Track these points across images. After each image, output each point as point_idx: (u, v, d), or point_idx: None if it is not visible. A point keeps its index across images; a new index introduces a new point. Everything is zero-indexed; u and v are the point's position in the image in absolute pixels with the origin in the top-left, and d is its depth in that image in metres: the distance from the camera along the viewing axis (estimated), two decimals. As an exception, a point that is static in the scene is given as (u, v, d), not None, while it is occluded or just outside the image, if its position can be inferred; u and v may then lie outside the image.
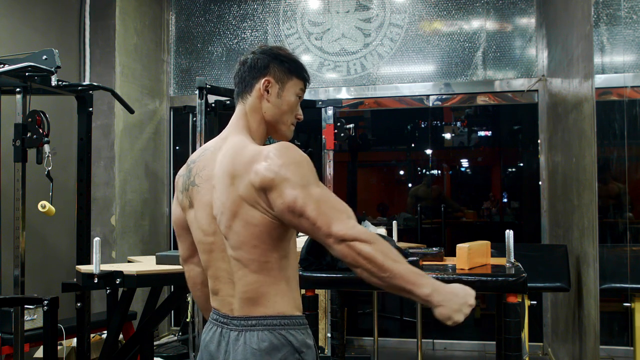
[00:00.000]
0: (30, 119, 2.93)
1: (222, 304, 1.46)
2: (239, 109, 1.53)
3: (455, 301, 1.29)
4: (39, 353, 3.59)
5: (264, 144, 1.46)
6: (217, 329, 1.46)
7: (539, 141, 4.57)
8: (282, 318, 1.40)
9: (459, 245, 2.51)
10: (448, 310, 1.28)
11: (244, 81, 1.51)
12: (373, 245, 1.25)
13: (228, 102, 4.15)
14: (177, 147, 5.24)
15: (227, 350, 1.41)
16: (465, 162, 5.28)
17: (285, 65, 1.50)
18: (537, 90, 4.55)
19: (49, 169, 2.92)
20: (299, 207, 1.29)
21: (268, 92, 1.48)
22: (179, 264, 2.48)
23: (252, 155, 1.37)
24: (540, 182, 4.55)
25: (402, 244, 3.01)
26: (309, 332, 1.45)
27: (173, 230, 5.42)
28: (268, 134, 1.54)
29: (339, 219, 1.27)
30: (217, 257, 1.45)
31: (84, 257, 3.20)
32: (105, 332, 3.23)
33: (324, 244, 1.30)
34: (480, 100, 4.77)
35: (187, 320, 4.01)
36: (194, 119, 4.03)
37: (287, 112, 1.51)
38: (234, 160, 1.39)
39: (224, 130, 1.53)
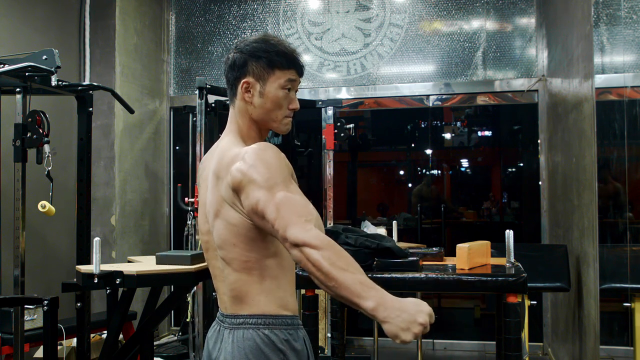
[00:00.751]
0: (30, 119, 2.93)
1: (220, 301, 1.49)
2: (230, 111, 1.52)
3: (403, 318, 1.12)
4: (39, 353, 3.59)
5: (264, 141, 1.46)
6: (217, 327, 1.49)
7: (539, 141, 4.57)
8: (266, 317, 1.40)
9: (459, 245, 2.51)
10: (394, 328, 1.12)
11: (228, 82, 1.49)
12: (322, 251, 1.18)
13: (228, 102, 4.14)
14: (177, 147, 5.24)
15: (220, 348, 1.44)
16: (465, 162, 5.28)
17: (262, 61, 1.42)
18: (537, 90, 4.55)
19: (49, 169, 2.92)
20: (261, 209, 1.28)
21: (250, 92, 1.44)
22: (179, 264, 2.48)
23: (232, 157, 1.38)
24: (540, 182, 4.55)
25: (402, 244, 3.01)
26: (299, 333, 1.44)
27: (173, 230, 5.44)
28: (264, 130, 1.51)
29: (296, 223, 1.22)
30: (211, 256, 1.49)
31: (84, 257, 3.20)
32: (105, 332, 3.23)
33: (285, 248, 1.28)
34: (480, 100, 4.77)
35: (187, 320, 4.01)
36: (194, 119, 4.03)
37: (274, 109, 1.45)
38: (219, 161, 1.42)
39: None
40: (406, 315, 1.12)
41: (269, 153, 1.33)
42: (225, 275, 1.43)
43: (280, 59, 1.44)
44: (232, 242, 1.39)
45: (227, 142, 1.46)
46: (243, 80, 1.44)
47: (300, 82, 1.50)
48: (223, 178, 1.38)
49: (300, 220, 1.23)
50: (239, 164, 1.34)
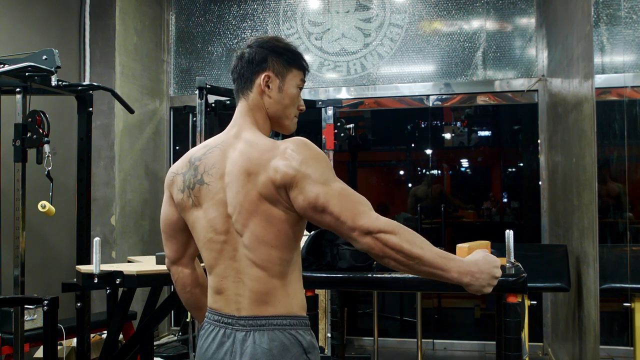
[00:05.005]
0: (30, 119, 2.93)
1: (227, 303, 1.42)
2: (241, 105, 1.48)
3: (483, 278, 1.35)
4: (39, 353, 3.59)
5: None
6: (219, 330, 1.42)
7: (539, 141, 4.56)
8: (291, 318, 1.39)
9: (459, 245, 2.51)
10: (477, 287, 1.35)
11: (242, 77, 1.47)
12: (398, 235, 1.27)
13: (228, 102, 4.14)
14: (177, 147, 5.24)
15: (232, 351, 1.39)
16: (465, 162, 5.28)
17: (283, 57, 1.46)
18: (537, 90, 4.55)
19: (49, 169, 2.92)
20: (321, 203, 1.29)
21: (269, 87, 1.45)
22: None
23: (268, 151, 1.36)
24: (540, 182, 4.55)
25: (402, 244, 3.01)
26: (313, 333, 1.46)
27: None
28: (272, 128, 1.51)
29: (362, 212, 1.29)
30: (227, 256, 1.41)
31: (84, 257, 3.20)
32: (105, 332, 3.23)
33: (348, 237, 1.31)
34: (480, 100, 4.77)
35: (187, 320, 4.01)
36: (194, 119, 4.03)
37: (290, 105, 1.48)
38: (249, 157, 1.37)
39: (230, 127, 1.48)
40: (484, 275, 1.35)
41: (314, 147, 1.36)
42: (250, 276, 1.38)
43: (297, 58, 1.49)
44: (271, 244, 1.36)
45: (252, 136, 1.42)
46: (264, 74, 1.45)
47: (302, 89, 1.54)
48: (259, 174, 1.34)
49: (365, 209, 1.30)
50: (284, 160, 1.32)
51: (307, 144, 1.36)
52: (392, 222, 1.30)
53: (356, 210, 1.29)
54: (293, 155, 1.32)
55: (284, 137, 3.79)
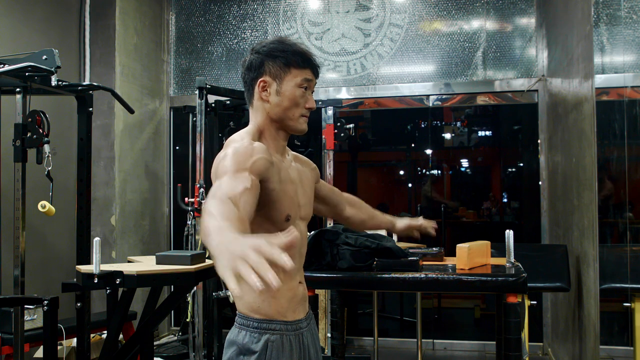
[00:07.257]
0: (30, 119, 2.93)
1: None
2: (249, 111, 1.55)
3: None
4: (39, 353, 3.59)
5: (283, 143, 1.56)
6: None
7: (539, 141, 4.56)
8: (241, 317, 1.48)
9: (459, 245, 2.51)
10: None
11: (246, 83, 1.53)
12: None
13: (228, 102, 4.14)
14: (177, 147, 5.24)
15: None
16: (465, 162, 5.28)
17: (279, 60, 1.48)
18: (537, 90, 4.55)
19: (49, 169, 2.92)
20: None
21: (266, 91, 1.48)
22: (179, 264, 2.47)
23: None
24: (540, 182, 4.55)
25: (402, 244, 3.01)
26: (265, 337, 1.44)
27: (173, 230, 5.43)
28: (281, 131, 1.53)
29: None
30: None
31: (84, 257, 3.20)
32: (105, 332, 3.23)
33: None
34: (480, 100, 4.77)
35: (187, 320, 4.00)
36: (194, 119, 4.03)
37: (290, 107, 1.49)
38: None
39: None
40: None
41: (228, 148, 1.40)
42: None
43: (297, 58, 1.49)
44: None
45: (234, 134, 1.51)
46: (260, 80, 1.48)
47: (316, 82, 1.54)
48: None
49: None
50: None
51: (228, 145, 1.43)
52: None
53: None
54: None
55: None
